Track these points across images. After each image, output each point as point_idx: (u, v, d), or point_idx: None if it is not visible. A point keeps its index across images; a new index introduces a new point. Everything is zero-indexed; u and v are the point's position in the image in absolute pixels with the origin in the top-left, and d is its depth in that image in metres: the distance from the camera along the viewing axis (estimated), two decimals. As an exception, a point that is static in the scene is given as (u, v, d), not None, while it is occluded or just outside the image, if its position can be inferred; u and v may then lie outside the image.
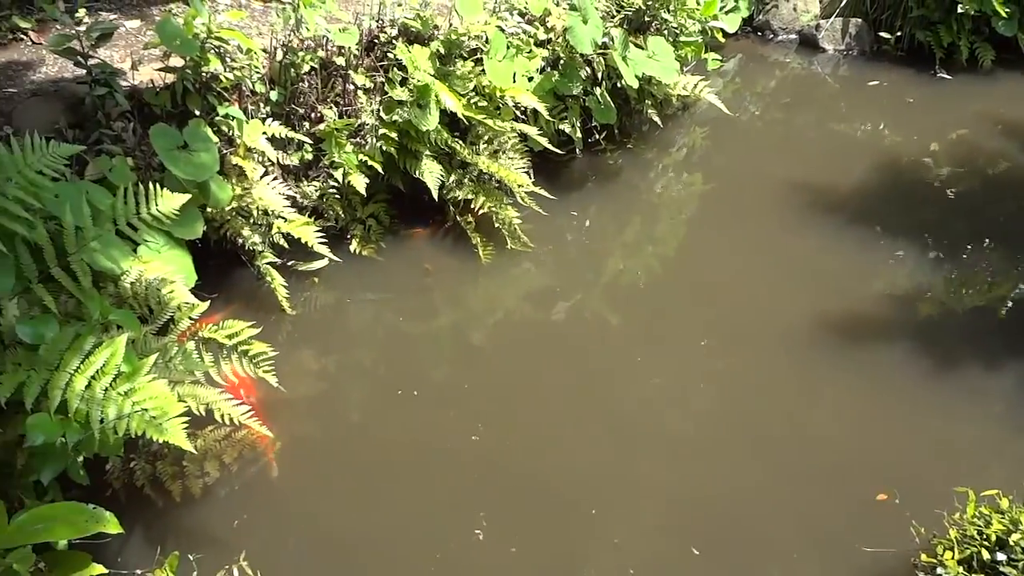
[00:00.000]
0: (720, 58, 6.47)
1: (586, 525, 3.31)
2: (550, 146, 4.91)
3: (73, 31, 3.65)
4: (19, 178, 3.05)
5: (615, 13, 5.33)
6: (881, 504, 3.41)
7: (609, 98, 5.21)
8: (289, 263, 4.31)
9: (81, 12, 3.79)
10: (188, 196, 3.51)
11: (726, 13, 6.76)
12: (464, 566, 3.15)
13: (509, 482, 3.47)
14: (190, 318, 3.38)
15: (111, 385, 2.74)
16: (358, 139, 4.43)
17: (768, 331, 4.30)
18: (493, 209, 4.68)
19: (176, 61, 3.87)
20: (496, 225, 4.71)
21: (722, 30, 6.48)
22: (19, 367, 2.77)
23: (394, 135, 4.43)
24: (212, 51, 3.85)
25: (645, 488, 3.49)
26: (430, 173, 4.52)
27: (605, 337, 4.30)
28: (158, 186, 3.45)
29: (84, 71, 3.71)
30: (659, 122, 5.64)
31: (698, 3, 5.77)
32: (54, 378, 2.71)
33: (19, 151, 3.12)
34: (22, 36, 4.32)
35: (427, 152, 4.54)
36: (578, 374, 4.03)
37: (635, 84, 5.12)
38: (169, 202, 3.41)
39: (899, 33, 7.25)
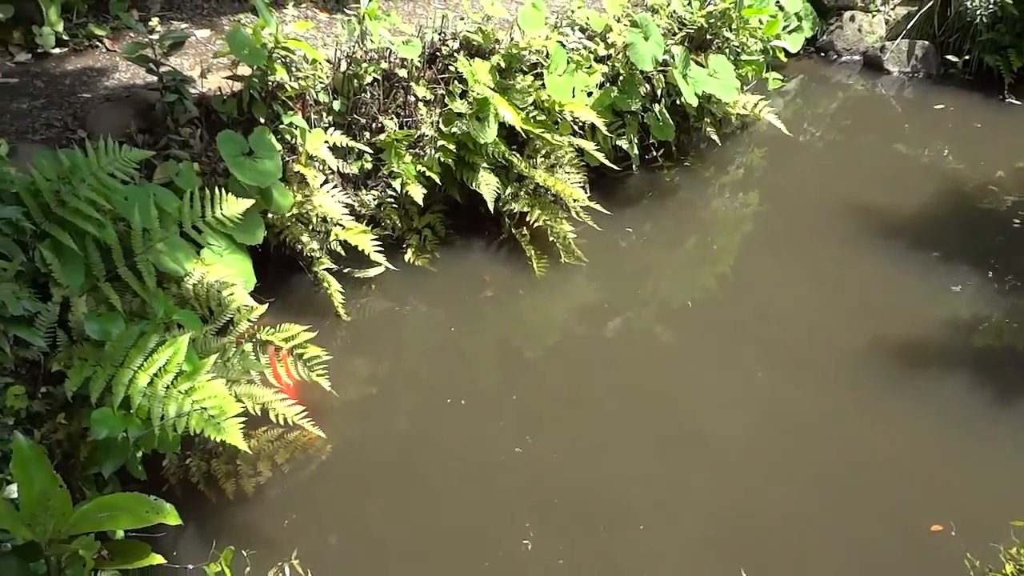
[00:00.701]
0: (781, 78, 6.40)
1: (634, 540, 3.29)
2: (607, 161, 4.93)
3: (146, 39, 3.76)
4: (92, 180, 3.16)
5: (676, 31, 5.33)
6: (935, 535, 3.33)
7: (668, 115, 5.21)
8: (345, 270, 4.37)
9: (154, 21, 3.91)
10: (251, 201, 3.60)
11: (789, 33, 6.70)
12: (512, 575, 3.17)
13: (556, 494, 3.47)
14: (249, 320, 3.46)
15: (172, 383, 2.82)
16: (417, 150, 4.49)
17: (824, 355, 4.23)
18: (548, 223, 4.70)
19: (243, 70, 3.97)
20: (551, 239, 4.73)
21: (784, 50, 6.42)
22: (85, 362, 2.86)
23: (452, 147, 4.48)
24: (278, 61, 3.95)
25: (695, 507, 3.46)
26: (487, 185, 4.56)
27: (657, 354, 4.28)
28: (223, 191, 3.54)
29: (155, 78, 3.82)
30: (717, 140, 5.62)
31: (761, 22, 5.74)
32: (118, 374, 2.80)
33: (92, 154, 3.23)
34: (97, 43, 4.48)
35: (484, 164, 4.59)
36: (628, 390, 4.01)
37: (694, 102, 5.11)
38: (233, 207, 3.50)
39: (967, 56, 7.10)
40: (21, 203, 3.01)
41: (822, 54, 7.53)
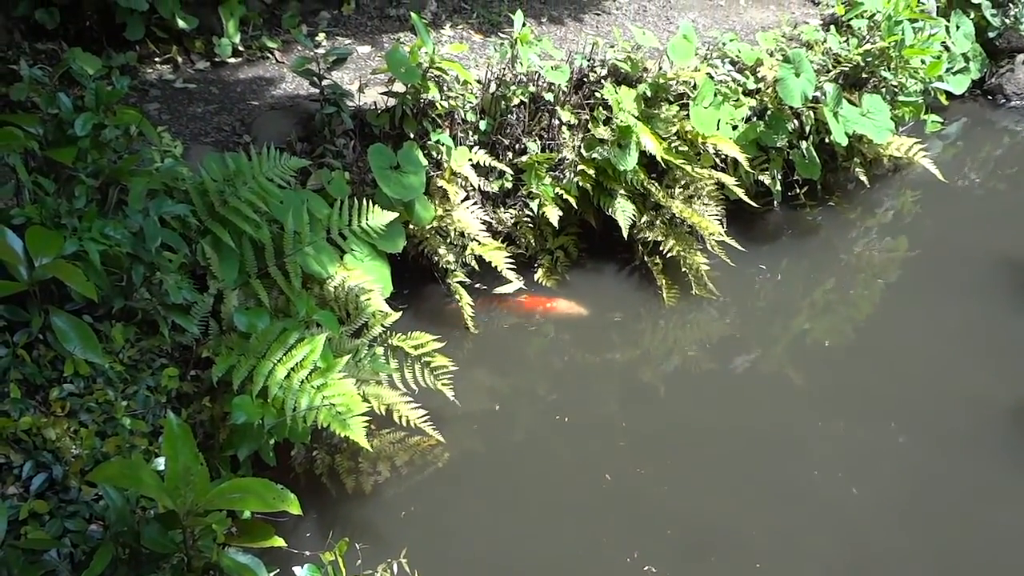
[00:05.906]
0: (941, 120, 6.11)
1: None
2: (746, 198, 4.85)
3: (312, 54, 4.01)
4: (253, 183, 3.40)
5: (831, 68, 5.20)
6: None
7: (815, 153, 5.09)
8: (476, 284, 4.50)
9: (321, 36, 4.15)
10: (395, 215, 3.78)
11: (954, 74, 6.42)
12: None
13: (668, 524, 3.45)
14: (383, 326, 3.62)
15: (307, 378, 3.00)
16: (557, 173, 4.58)
17: (965, 420, 4.02)
18: (682, 253, 4.69)
19: (399, 87, 4.16)
20: (683, 269, 4.71)
21: (946, 92, 6.15)
22: (232, 351, 3.08)
23: (592, 172, 4.54)
24: (432, 80, 4.12)
25: (810, 559, 3.37)
26: (623, 212, 4.59)
27: (782, 399, 4.18)
28: (369, 201, 3.73)
29: (317, 90, 4.07)
30: (866, 182, 5.44)
31: (923, 62, 5.52)
32: (260, 365, 3.00)
33: (256, 160, 3.48)
34: (269, 55, 4.79)
35: (622, 191, 4.62)
36: (749, 432, 3.94)
37: (844, 141, 4.97)
38: (378, 218, 3.69)
39: None
40: (190, 201, 3.27)
41: (989, 97, 7.16)
